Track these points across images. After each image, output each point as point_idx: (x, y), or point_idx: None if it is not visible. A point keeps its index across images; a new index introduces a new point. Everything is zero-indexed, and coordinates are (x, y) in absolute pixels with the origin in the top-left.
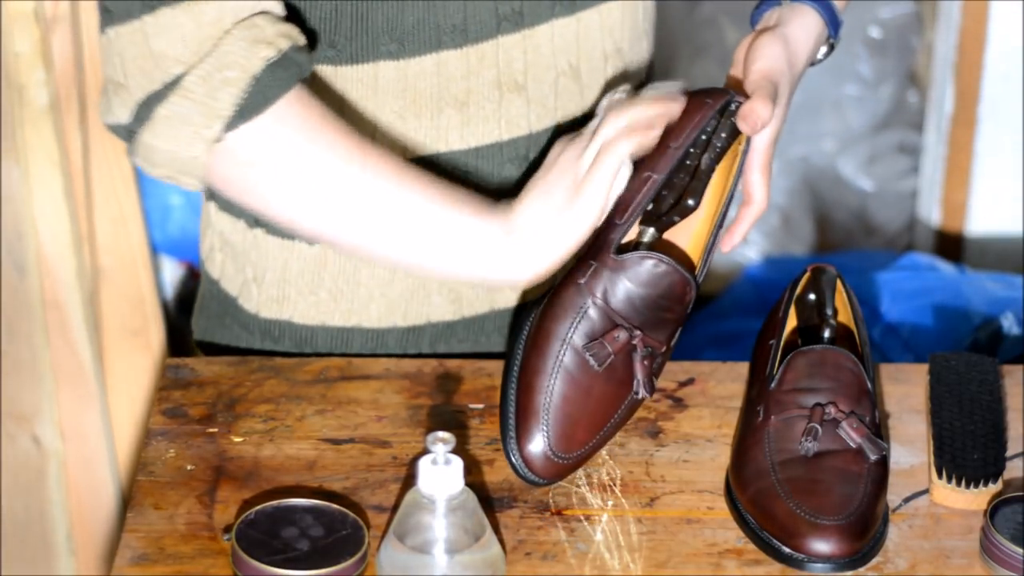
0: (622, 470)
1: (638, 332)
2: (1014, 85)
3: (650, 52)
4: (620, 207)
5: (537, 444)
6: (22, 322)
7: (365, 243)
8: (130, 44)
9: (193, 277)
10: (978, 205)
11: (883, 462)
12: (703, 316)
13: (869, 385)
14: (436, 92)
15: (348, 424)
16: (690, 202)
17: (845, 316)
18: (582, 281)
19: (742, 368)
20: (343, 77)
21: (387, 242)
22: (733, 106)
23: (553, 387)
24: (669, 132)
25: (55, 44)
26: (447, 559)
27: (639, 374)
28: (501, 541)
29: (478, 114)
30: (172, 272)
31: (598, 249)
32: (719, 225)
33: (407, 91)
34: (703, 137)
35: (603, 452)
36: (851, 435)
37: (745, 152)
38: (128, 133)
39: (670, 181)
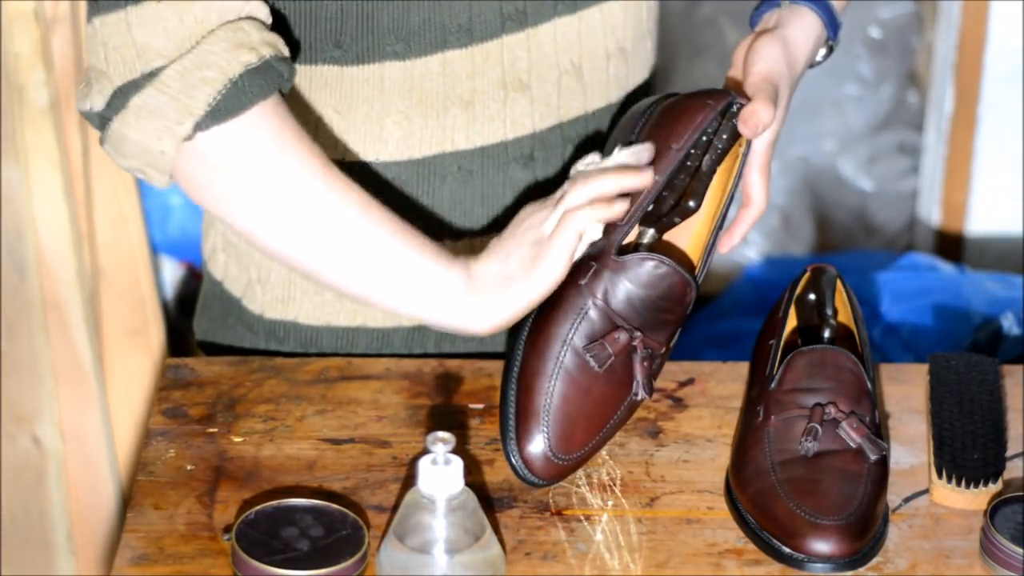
0: (622, 470)
1: (638, 333)
2: (1014, 85)
3: (654, 52)
4: None
5: (537, 445)
6: (22, 322)
7: (321, 267)
8: (114, 34)
9: (193, 277)
10: (978, 205)
11: (883, 462)
12: (703, 316)
13: (869, 385)
14: (442, 92)
15: (348, 424)
16: (691, 203)
17: (845, 316)
18: (583, 282)
19: (742, 368)
20: (349, 77)
21: (343, 270)
22: (735, 108)
23: (553, 388)
24: (671, 133)
25: (55, 44)
26: (447, 559)
27: (639, 375)
28: (501, 541)
29: (483, 114)
30: (172, 272)
31: (599, 250)
32: (719, 226)
33: (413, 91)
34: (704, 139)
35: (603, 452)
36: (851, 435)
37: (746, 154)
38: (101, 120)
39: (671, 182)
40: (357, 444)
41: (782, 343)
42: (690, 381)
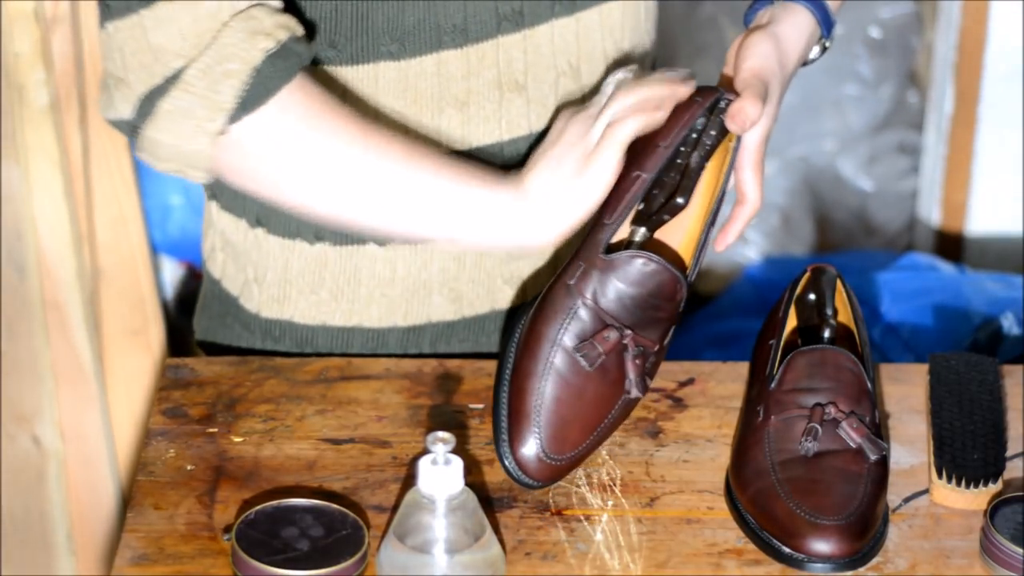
0: (622, 470)
1: (629, 331)
2: (1014, 85)
3: (653, 52)
4: (609, 207)
5: (530, 447)
6: (22, 322)
7: (379, 223)
8: (129, 39)
9: (193, 277)
10: (978, 205)
11: (883, 462)
12: (703, 316)
13: (869, 385)
14: (437, 92)
15: (348, 424)
16: (679, 200)
17: (845, 316)
18: (571, 282)
19: (742, 368)
20: (343, 78)
21: (401, 220)
22: (722, 104)
23: (544, 389)
24: (658, 131)
25: (55, 44)
26: (447, 559)
27: (631, 373)
28: (501, 541)
29: (479, 114)
30: (172, 272)
31: (587, 249)
32: (711, 223)
33: (408, 91)
34: (692, 135)
35: (603, 452)
36: (851, 435)
37: (735, 150)
38: (131, 128)
39: (660, 180)
40: (357, 444)
41: (782, 343)
42: (690, 381)
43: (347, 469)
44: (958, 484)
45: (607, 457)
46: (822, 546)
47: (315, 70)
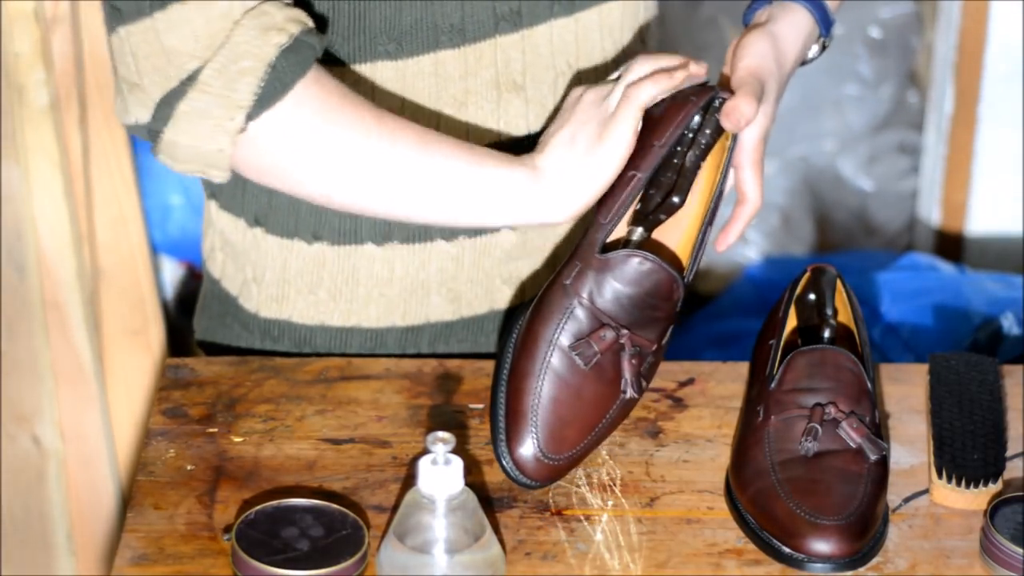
0: (622, 470)
1: (625, 331)
2: (1014, 85)
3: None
4: (604, 206)
5: (527, 447)
6: (22, 322)
7: (399, 210)
8: (143, 42)
9: (193, 277)
10: (978, 205)
11: (883, 462)
12: (703, 316)
13: (869, 385)
14: (434, 92)
15: (348, 424)
16: (675, 199)
17: (845, 316)
18: (567, 282)
19: (742, 368)
20: (340, 77)
21: (419, 206)
22: (717, 102)
23: (541, 389)
24: (653, 130)
25: (55, 44)
26: (447, 559)
27: (627, 373)
28: (501, 541)
29: (477, 115)
30: (172, 272)
31: (583, 249)
32: (708, 222)
33: (405, 91)
34: (688, 134)
35: (603, 452)
36: (851, 435)
37: (732, 149)
38: (150, 132)
39: (656, 179)
40: (357, 444)
41: (782, 343)
42: (690, 381)
43: (347, 469)
44: (958, 484)
45: (607, 457)
46: (822, 546)
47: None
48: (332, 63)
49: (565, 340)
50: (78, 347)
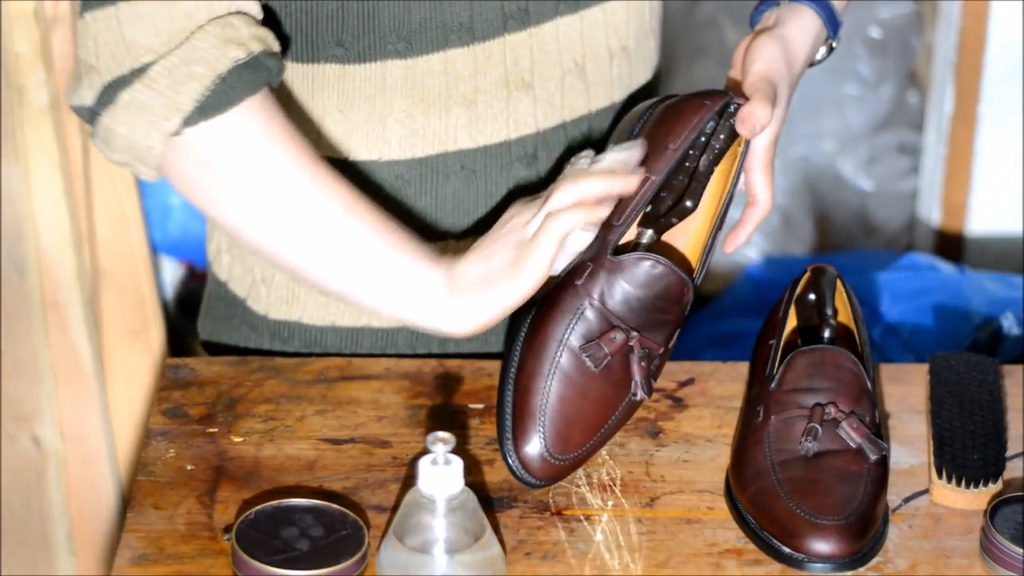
0: (622, 470)
1: (635, 333)
2: (1014, 85)
3: (657, 51)
4: (617, 209)
5: (534, 446)
6: (22, 322)
7: (303, 264)
8: (104, 29)
9: (193, 277)
10: (978, 205)
11: (883, 462)
12: (703, 316)
13: (869, 385)
14: (444, 91)
15: (348, 424)
16: (688, 203)
17: (845, 316)
18: (579, 282)
19: (742, 368)
20: (351, 76)
21: (325, 267)
22: (732, 108)
23: (549, 389)
24: (668, 133)
25: (55, 44)
26: (447, 559)
27: (637, 375)
28: (501, 541)
29: (486, 113)
30: (172, 272)
31: (595, 251)
32: (718, 227)
33: (415, 90)
34: (701, 139)
35: (603, 452)
36: (851, 435)
37: (744, 154)
38: (91, 115)
39: (668, 183)
40: (357, 444)
41: (782, 343)
42: (690, 381)
43: (347, 469)
44: (958, 484)
45: (607, 457)
46: (822, 546)
47: (317, 79)
48: (343, 62)
49: (575, 340)
50: (78, 347)
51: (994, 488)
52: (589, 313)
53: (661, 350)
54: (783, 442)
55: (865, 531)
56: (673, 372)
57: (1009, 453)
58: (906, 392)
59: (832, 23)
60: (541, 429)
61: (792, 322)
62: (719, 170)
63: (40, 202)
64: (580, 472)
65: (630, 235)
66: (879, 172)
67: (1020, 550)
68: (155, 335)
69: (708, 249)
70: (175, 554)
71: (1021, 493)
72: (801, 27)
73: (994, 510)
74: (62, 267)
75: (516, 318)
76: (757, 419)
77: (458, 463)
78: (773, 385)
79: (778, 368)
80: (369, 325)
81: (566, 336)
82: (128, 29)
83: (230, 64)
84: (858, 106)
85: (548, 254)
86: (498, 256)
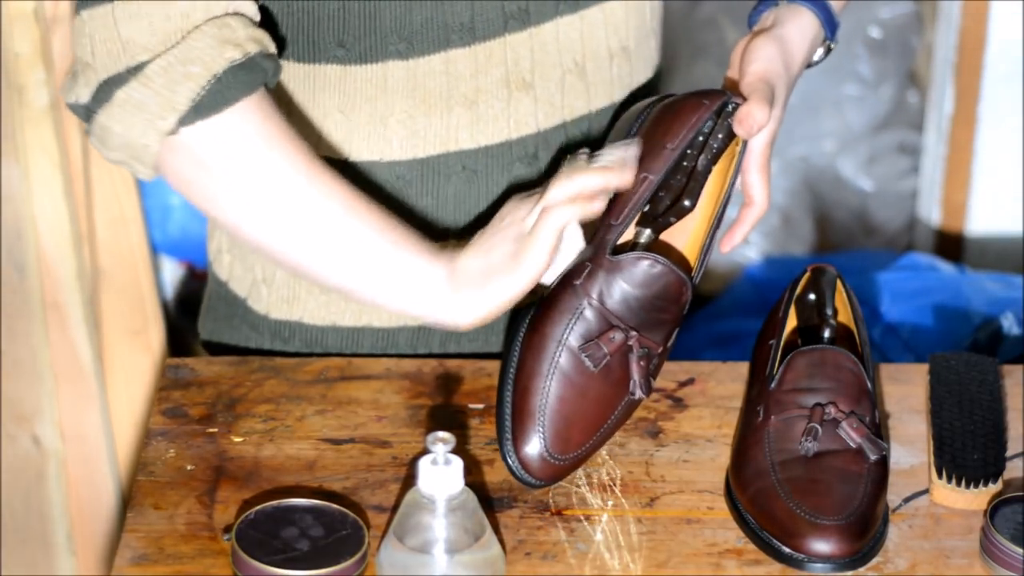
0: (622, 470)
1: (634, 333)
2: (1014, 85)
3: (658, 51)
4: (615, 208)
5: (533, 446)
6: (22, 322)
7: (303, 261)
8: (101, 27)
9: (193, 277)
10: (978, 205)
11: (883, 462)
12: (703, 316)
13: (869, 385)
14: (445, 91)
15: (348, 424)
16: (686, 203)
17: (845, 316)
18: (577, 282)
19: (742, 368)
20: (352, 77)
21: (325, 264)
22: (730, 107)
23: (549, 389)
24: (665, 132)
25: (55, 44)
26: (447, 559)
27: (635, 375)
28: (501, 541)
29: (487, 113)
30: (172, 272)
31: (594, 251)
32: (716, 226)
33: (416, 90)
34: (699, 138)
35: (603, 452)
36: (851, 435)
37: (742, 153)
38: (86, 113)
39: (666, 182)
40: (357, 444)
41: (782, 343)
42: (690, 381)
43: (347, 469)
44: (958, 484)
45: (607, 457)
46: (822, 546)
47: (318, 79)
48: (344, 63)
49: (574, 340)
50: (78, 347)
51: (994, 488)
52: (588, 313)
53: (660, 349)
54: (783, 442)
55: (865, 531)
56: (673, 372)
57: (1009, 453)
58: (906, 392)
59: (830, 24)
60: (541, 429)
61: (792, 322)
62: (717, 169)
63: (40, 202)
64: (580, 472)
65: (628, 235)
66: (879, 172)
67: (1020, 550)
68: (155, 335)
69: (706, 248)
70: (175, 554)
71: (1021, 493)
72: (799, 28)
73: (994, 510)
74: (62, 267)
75: (515, 318)
76: (757, 419)
77: (458, 463)
78: (773, 385)
79: (778, 368)
80: (370, 325)
81: (565, 336)
82: (124, 27)
83: (226, 64)
84: (858, 106)
85: (547, 247)
86: (497, 250)
